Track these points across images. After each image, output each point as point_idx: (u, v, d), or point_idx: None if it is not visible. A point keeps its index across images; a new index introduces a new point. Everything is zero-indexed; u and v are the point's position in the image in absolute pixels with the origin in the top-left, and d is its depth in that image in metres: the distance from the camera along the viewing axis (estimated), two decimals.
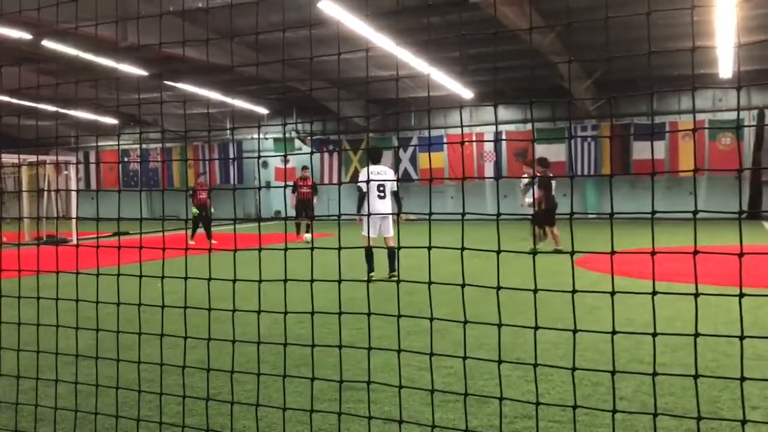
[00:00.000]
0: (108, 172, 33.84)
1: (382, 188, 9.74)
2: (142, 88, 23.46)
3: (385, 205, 9.84)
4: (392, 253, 9.53)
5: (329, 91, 24.93)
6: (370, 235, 9.31)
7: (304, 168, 19.06)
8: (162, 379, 2.87)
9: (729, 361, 5.17)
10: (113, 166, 31.91)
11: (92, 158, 32.56)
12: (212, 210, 18.48)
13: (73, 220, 15.11)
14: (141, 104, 3.36)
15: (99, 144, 33.80)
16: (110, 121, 28.93)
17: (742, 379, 1.88)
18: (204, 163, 28.11)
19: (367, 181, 3.00)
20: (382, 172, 9.96)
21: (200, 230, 17.49)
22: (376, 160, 10.11)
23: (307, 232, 17.36)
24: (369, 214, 8.85)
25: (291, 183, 18.22)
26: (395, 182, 10.05)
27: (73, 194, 18.97)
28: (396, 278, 8.61)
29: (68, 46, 17.04)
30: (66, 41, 16.82)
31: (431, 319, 2.28)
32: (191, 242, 16.57)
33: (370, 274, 9.07)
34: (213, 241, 16.98)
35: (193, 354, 5.18)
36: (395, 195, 10.00)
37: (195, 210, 17.38)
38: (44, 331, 3.40)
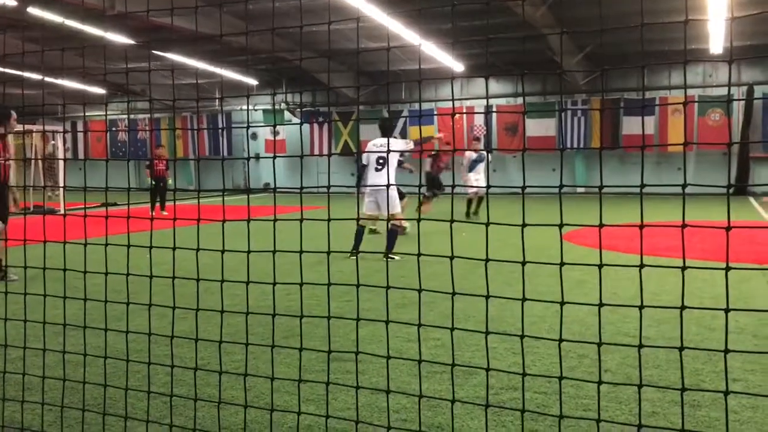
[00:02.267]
0: (96, 142, 33.53)
1: (381, 161, 9.12)
2: (130, 57, 23.17)
3: (382, 179, 8.98)
4: (392, 233, 8.75)
5: (319, 63, 24.73)
6: (369, 212, 9.06)
7: (160, 146, 19.36)
8: (150, 349, 2.87)
9: (712, 334, 5.24)
10: (101, 136, 31.64)
11: (80, 128, 32.25)
12: (169, 181, 18.46)
13: (61, 190, 15.01)
14: (129, 73, 3.32)
15: (86, 114, 33.43)
16: (98, 90, 28.59)
17: (726, 351, 1.91)
18: (192, 133, 27.92)
19: (357, 154, 2.98)
20: (384, 144, 9.05)
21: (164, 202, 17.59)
22: (384, 133, 9.52)
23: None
24: (360, 186, 8.55)
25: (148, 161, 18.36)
26: (398, 153, 9.48)
27: (61, 164, 18.81)
28: (388, 260, 8.14)
29: (54, 14, 16.77)
30: (52, 8, 16.55)
31: (419, 291, 2.30)
32: (153, 214, 16.63)
33: (352, 251, 7.97)
34: (164, 212, 17.03)
35: (182, 325, 5.19)
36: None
37: (150, 180, 17.43)
38: (31, 301, 3.40)
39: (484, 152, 15.81)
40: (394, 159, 9.43)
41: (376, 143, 9.39)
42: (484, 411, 3.54)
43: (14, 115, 8.13)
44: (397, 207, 9.12)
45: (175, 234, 3.09)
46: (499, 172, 26.78)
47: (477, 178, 15.41)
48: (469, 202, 15.62)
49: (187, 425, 3.36)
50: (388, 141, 8.58)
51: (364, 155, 9.37)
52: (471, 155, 15.81)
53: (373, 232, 11.55)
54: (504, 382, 4.16)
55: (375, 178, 9.18)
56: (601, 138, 24.86)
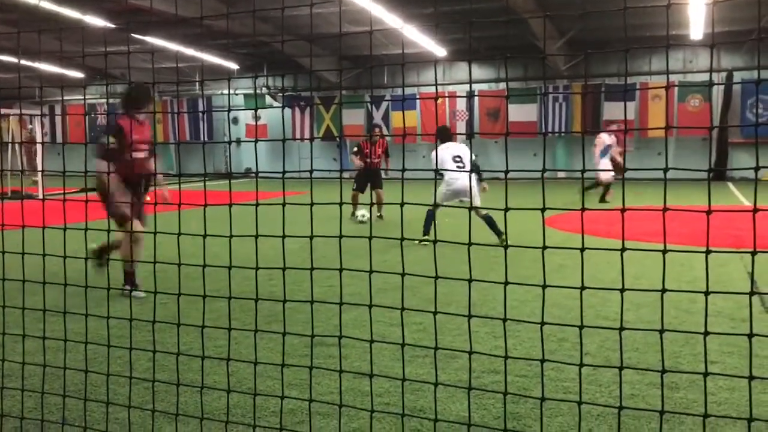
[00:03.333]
0: (74, 127, 33.10)
1: (457, 158, 9.71)
2: (109, 41, 22.86)
3: (466, 177, 9.44)
4: (489, 220, 9.05)
5: (301, 47, 24.55)
6: (445, 202, 9.48)
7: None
8: (132, 334, 2.86)
9: (690, 317, 5.31)
10: (80, 120, 31.23)
11: (58, 112, 31.81)
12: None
13: (39, 174, 14.82)
14: (107, 56, 3.28)
15: (64, 98, 32.99)
16: (76, 74, 28.19)
17: (706, 333, 1.94)
18: (172, 118, 27.66)
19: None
20: (458, 148, 9.98)
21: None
22: (448, 139, 10.28)
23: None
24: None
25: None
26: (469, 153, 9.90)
27: (39, 148, 18.55)
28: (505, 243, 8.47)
29: None
30: None
31: (403, 275, 2.30)
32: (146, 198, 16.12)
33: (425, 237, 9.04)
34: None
35: (163, 310, 5.16)
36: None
37: None
38: (10, 287, 3.36)
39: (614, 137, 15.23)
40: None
41: (448, 146, 9.99)
42: (465, 394, 3.57)
43: None
44: (478, 200, 9.39)
45: (156, 219, 3.06)
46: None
47: (606, 164, 15.17)
48: (604, 186, 15.23)
49: (169, 410, 3.36)
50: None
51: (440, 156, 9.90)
52: (605, 139, 15.36)
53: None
54: (485, 366, 4.19)
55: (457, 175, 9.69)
56: (582, 123, 25.01)
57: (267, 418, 3.48)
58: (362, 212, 12.09)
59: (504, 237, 8.99)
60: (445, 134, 10.63)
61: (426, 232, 9.30)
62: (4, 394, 3.38)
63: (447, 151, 9.78)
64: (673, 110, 24.16)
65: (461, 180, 9.28)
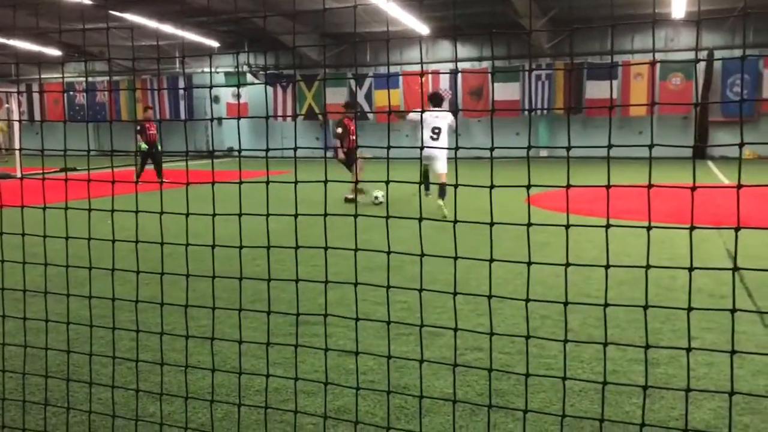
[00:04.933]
0: (53, 105, 32.61)
1: (437, 130, 10.36)
2: (87, 18, 22.46)
3: (437, 145, 10.32)
4: (443, 187, 10.23)
5: (282, 24, 24.26)
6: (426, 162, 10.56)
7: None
8: (114, 315, 2.84)
9: (670, 294, 5.37)
10: (58, 99, 30.76)
11: (35, 91, 31.26)
12: (158, 146, 17.26)
13: (17, 152, 14.60)
14: (86, 34, 3.22)
15: (42, 76, 32.44)
16: (53, 52, 27.71)
17: (689, 309, 1.96)
18: (152, 96, 27.31)
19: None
20: (440, 116, 10.46)
21: (149, 166, 16.36)
22: (437, 104, 11.03)
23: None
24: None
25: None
26: (451, 122, 10.74)
27: (16, 126, 18.25)
28: (443, 206, 10.19)
29: None
30: None
31: (388, 253, 2.30)
32: (137, 180, 15.34)
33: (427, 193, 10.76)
34: (164, 180, 15.79)
35: (146, 290, 5.12)
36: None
37: (144, 145, 16.19)
38: None
39: None
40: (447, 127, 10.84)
41: (433, 114, 10.56)
42: (449, 371, 3.59)
43: None
44: (445, 169, 10.49)
45: (137, 198, 3.03)
46: (463, 136, 26.82)
47: None
48: None
49: (153, 390, 3.35)
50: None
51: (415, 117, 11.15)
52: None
53: (351, 201, 11.94)
54: (469, 343, 4.22)
55: (430, 143, 10.52)
56: (566, 100, 25.04)
57: (252, 396, 3.48)
58: (380, 192, 11.77)
59: (444, 208, 10.35)
60: (436, 101, 11.16)
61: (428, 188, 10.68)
62: None
63: (430, 117, 10.38)
64: (655, 88, 24.26)
65: (434, 152, 10.03)
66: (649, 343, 4.20)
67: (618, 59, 24.84)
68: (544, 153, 25.92)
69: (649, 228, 1.88)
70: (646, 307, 1.87)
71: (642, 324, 2.21)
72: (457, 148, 2.19)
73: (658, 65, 23.76)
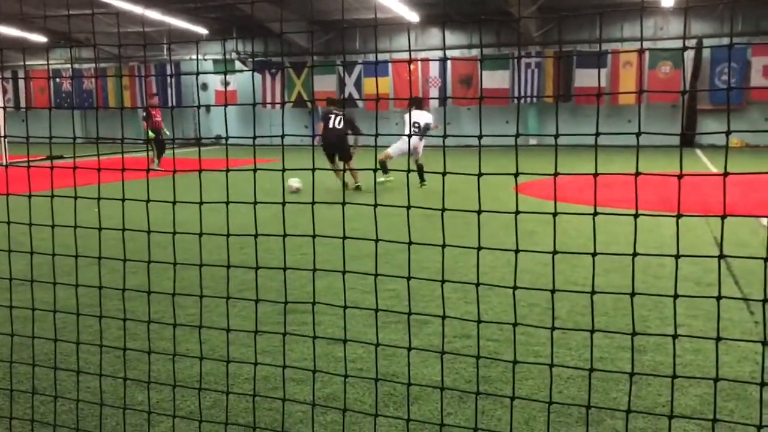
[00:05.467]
0: (39, 93, 32.29)
1: (416, 124, 12.52)
2: (72, 4, 22.22)
3: (415, 139, 12.66)
4: (421, 168, 11.87)
5: (271, 11, 24.11)
6: (396, 154, 12.57)
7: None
8: (101, 303, 2.83)
9: (658, 282, 5.41)
10: (44, 86, 30.44)
11: (20, 77, 30.94)
12: (166, 133, 17.07)
13: (2, 140, 14.44)
14: (71, 20, 3.18)
15: (27, 63, 32.09)
16: (39, 38, 27.41)
17: (676, 296, 1.97)
18: (140, 83, 27.08)
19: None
20: (423, 116, 12.93)
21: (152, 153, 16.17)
22: (419, 107, 13.31)
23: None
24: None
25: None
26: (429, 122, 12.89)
27: (0, 113, 18.03)
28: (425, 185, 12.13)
29: None
30: None
31: (376, 241, 2.30)
32: (157, 167, 15.06)
33: (388, 177, 12.45)
34: (158, 167, 15.59)
35: (133, 279, 5.11)
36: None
37: (151, 133, 16.10)
38: None
39: None
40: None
41: (418, 113, 12.82)
42: (438, 359, 3.61)
43: None
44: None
45: (124, 187, 3.01)
46: (453, 125, 26.81)
47: None
48: None
49: (141, 378, 3.34)
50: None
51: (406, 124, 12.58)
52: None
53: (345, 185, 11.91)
54: (457, 331, 4.24)
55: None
56: (555, 88, 25.06)
57: (240, 384, 3.48)
58: (296, 180, 11.66)
59: (425, 184, 12.34)
60: (417, 103, 13.22)
61: (387, 172, 12.11)
62: None
63: (415, 117, 12.56)
64: (644, 77, 24.32)
65: (412, 141, 12.04)
66: (636, 331, 4.24)
67: (607, 47, 24.86)
68: (533, 141, 25.96)
69: (636, 216, 1.89)
70: (632, 295, 1.88)
71: (629, 311, 2.22)
72: (445, 136, 2.18)
73: (647, 54, 23.81)
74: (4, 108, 3.90)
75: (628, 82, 24.50)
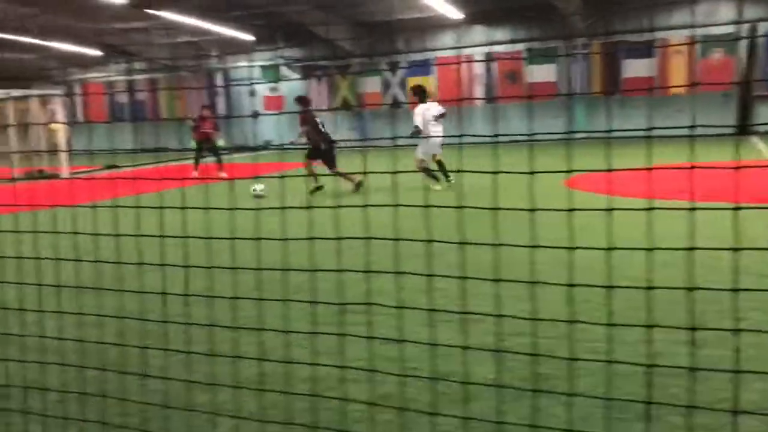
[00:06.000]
0: (95, 105, 33.27)
1: (436, 118, 11.96)
2: (125, 17, 22.86)
3: (440, 130, 12.01)
4: (441, 166, 12.00)
5: (315, 16, 24.35)
6: (430, 153, 11.97)
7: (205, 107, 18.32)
8: (165, 308, 2.93)
9: (715, 276, 5.29)
10: (100, 99, 31.35)
11: (77, 91, 31.95)
12: (220, 142, 17.45)
13: (63, 155, 14.97)
14: (125, 33, 3.30)
15: (83, 77, 33.12)
16: (94, 52, 28.26)
17: (735, 290, 1.95)
18: (190, 93, 27.65)
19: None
20: (433, 107, 12.08)
21: (209, 160, 16.59)
22: (425, 99, 12.10)
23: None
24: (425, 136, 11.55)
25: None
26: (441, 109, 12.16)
27: (62, 129, 18.71)
28: (448, 184, 11.95)
29: None
30: None
31: (428, 242, 2.33)
32: (194, 173, 15.58)
33: (447, 182, 11.95)
34: (222, 173, 15.95)
35: (194, 285, 5.25)
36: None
37: (194, 143, 16.59)
38: (45, 265, 3.45)
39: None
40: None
41: (427, 106, 12.01)
42: (492, 357, 3.62)
43: None
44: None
45: (183, 194, 3.11)
46: (501, 120, 26.60)
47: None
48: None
49: (204, 380, 3.45)
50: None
51: (419, 122, 11.83)
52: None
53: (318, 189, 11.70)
54: (512, 328, 4.23)
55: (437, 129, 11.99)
56: (602, 83, 24.65)
57: (299, 385, 3.56)
58: (260, 186, 10.84)
59: (450, 180, 12.07)
60: (424, 94, 12.11)
61: (438, 178, 11.69)
62: (45, 369, 3.49)
63: (429, 113, 11.70)
64: (694, 66, 23.70)
65: (434, 133, 11.45)
66: (696, 325, 4.16)
67: (656, 36, 24.32)
68: (581, 135, 25.59)
69: (692, 210, 1.88)
70: (690, 289, 1.87)
71: (688, 306, 2.20)
72: (496, 135, 2.21)
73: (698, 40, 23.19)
74: (66, 124, 4.03)
75: (678, 71, 23.92)
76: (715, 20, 23.66)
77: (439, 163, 11.92)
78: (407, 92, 28.05)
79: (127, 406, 3.30)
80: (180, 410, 3.16)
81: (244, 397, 3.42)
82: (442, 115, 12.01)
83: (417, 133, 11.63)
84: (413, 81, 27.22)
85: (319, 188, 11.04)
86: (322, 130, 12.06)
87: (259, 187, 10.91)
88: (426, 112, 11.75)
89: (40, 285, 3.32)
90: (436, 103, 12.20)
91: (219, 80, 30.93)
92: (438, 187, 11.77)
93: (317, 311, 4.52)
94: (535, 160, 2.22)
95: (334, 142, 12.02)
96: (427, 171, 11.62)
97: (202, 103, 19.60)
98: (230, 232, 2.71)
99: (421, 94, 11.91)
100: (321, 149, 11.77)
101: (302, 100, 13.49)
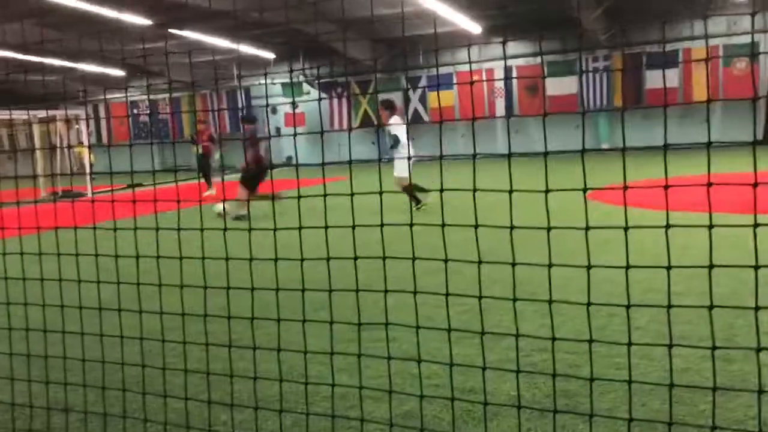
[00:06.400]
0: (118, 124, 33.80)
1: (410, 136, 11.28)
2: (147, 38, 23.22)
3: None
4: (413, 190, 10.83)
5: (335, 33, 24.52)
6: (404, 175, 10.90)
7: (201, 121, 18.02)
8: (185, 327, 2.93)
9: (745, 287, 5.18)
10: (123, 118, 31.83)
11: (101, 111, 32.49)
12: (216, 157, 17.14)
13: (87, 176, 15.20)
14: (147, 55, 3.34)
15: (107, 97, 33.66)
16: (117, 72, 28.73)
17: (757, 308, 1.90)
18: (212, 111, 27.93)
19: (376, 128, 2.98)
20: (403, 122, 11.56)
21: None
22: (394, 111, 11.28)
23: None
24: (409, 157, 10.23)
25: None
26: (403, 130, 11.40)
27: (86, 148, 19.03)
28: (425, 207, 11.11)
29: None
30: None
31: (446, 261, 2.31)
32: (212, 192, 15.45)
33: (422, 205, 11.11)
34: (209, 192, 15.53)
35: (213, 302, 5.26)
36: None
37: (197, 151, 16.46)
38: (66, 285, 3.47)
39: None
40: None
41: (400, 121, 11.30)
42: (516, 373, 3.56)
43: None
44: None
45: (201, 212, 3.12)
46: (520, 133, 26.52)
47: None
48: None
49: (224, 399, 3.44)
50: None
51: (402, 129, 11.20)
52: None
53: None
54: (535, 344, 4.18)
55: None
56: (623, 94, 24.48)
57: (319, 403, 3.53)
58: (220, 207, 10.50)
59: (420, 205, 11.18)
60: (394, 108, 11.21)
61: (418, 200, 10.97)
62: (67, 389, 3.50)
63: (403, 128, 11.14)
64: (718, 74, 23.48)
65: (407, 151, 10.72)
66: (723, 339, 4.07)
67: (678, 46, 24.14)
68: (605, 145, 25.41)
69: (710, 227, 1.84)
70: (711, 307, 1.83)
71: (714, 318, 2.15)
72: (510, 154, 2.18)
73: (720, 50, 22.98)
74: (89, 147, 4.05)
75: (702, 81, 23.70)
76: (737, 29, 23.45)
77: (412, 185, 10.90)
78: (427, 109, 28.08)
79: (149, 426, 3.29)
80: (201, 429, 3.15)
81: (264, 416, 3.39)
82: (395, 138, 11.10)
83: (396, 142, 11.01)
84: (434, 95, 27.32)
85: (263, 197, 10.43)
86: (263, 155, 11.74)
87: (218, 207, 10.55)
88: (402, 128, 11.09)
89: (62, 306, 3.34)
90: (399, 119, 11.52)
91: (240, 98, 31.24)
92: (429, 199, 11.18)
93: (338, 327, 4.50)
94: (557, 172, 2.19)
95: (265, 169, 11.50)
96: (408, 191, 10.80)
97: (199, 118, 19.58)
98: (249, 251, 2.71)
99: (391, 109, 11.19)
100: (251, 172, 11.26)
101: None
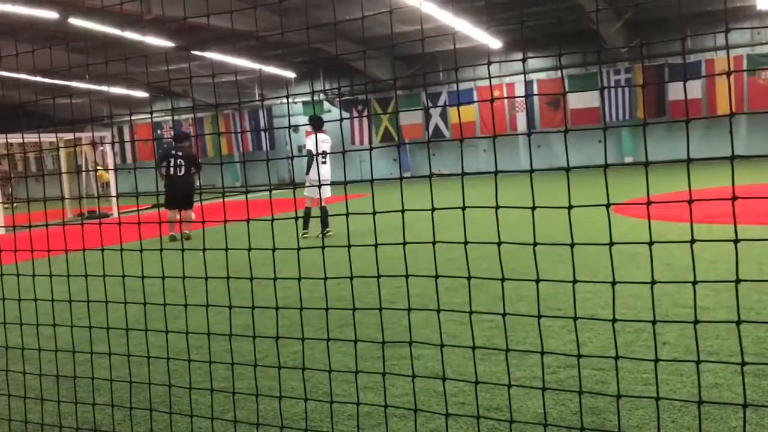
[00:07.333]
0: (142, 145, 34.26)
1: (324, 155, 10.70)
2: (170, 59, 23.55)
3: (327, 171, 10.95)
4: (326, 213, 10.55)
5: (355, 50, 24.69)
6: (313, 196, 10.69)
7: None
8: (210, 346, 2.95)
9: None
10: (147, 139, 32.28)
11: (126, 132, 32.95)
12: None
13: (113, 198, 15.40)
14: (171, 79, 3.39)
15: (132, 119, 34.17)
16: (141, 94, 29.17)
17: None
18: (250, 127, 28.23)
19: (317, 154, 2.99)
20: (325, 140, 10.85)
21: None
22: (320, 129, 10.71)
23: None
24: (319, 183, 10.45)
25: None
26: (330, 149, 11.17)
27: (111, 170, 19.24)
28: (330, 234, 10.46)
29: (95, 23, 17.14)
30: (92, 17, 16.91)
31: (469, 278, 2.30)
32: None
33: (304, 232, 10.61)
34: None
35: (238, 320, 5.29)
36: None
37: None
38: (94, 306, 3.51)
39: None
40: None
41: (320, 138, 10.54)
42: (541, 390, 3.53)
43: None
44: (329, 193, 10.75)
45: (226, 231, 3.15)
46: (543, 147, 26.43)
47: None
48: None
49: (250, 419, 3.44)
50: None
51: (312, 147, 10.63)
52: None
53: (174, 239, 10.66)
54: (561, 361, 4.13)
55: (322, 169, 10.80)
56: (646, 106, 24.32)
57: (344, 422, 3.52)
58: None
59: (328, 231, 10.51)
60: (319, 125, 10.64)
61: (306, 227, 10.67)
62: (95, 408, 3.53)
63: (320, 144, 10.35)
64: (743, 85, 23.24)
65: (321, 174, 10.52)
66: (754, 354, 4.00)
67: (701, 57, 23.95)
68: (629, 158, 25.22)
69: (736, 241, 1.82)
70: (738, 323, 1.80)
71: (745, 333, 2.12)
72: (532, 170, 2.17)
73: (744, 60, 22.75)
74: (115, 169, 4.12)
75: (725, 92, 23.48)
76: (762, 39, 23.23)
77: (323, 209, 10.58)
78: (448, 125, 28.10)
79: None
80: None
81: None
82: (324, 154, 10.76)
83: (311, 158, 10.57)
84: (455, 111, 27.37)
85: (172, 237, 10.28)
86: (173, 173, 11.26)
87: (184, 233, 10.22)
88: (320, 143, 10.44)
89: (90, 327, 3.38)
90: (327, 137, 11.06)
91: (262, 117, 31.54)
92: (307, 235, 10.69)
93: (362, 345, 4.50)
94: (581, 185, 2.18)
95: (191, 185, 11.33)
96: (306, 215, 10.71)
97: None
98: (273, 269, 2.72)
99: (317, 123, 10.53)
100: (181, 197, 10.89)
101: (184, 137, 12.39)
